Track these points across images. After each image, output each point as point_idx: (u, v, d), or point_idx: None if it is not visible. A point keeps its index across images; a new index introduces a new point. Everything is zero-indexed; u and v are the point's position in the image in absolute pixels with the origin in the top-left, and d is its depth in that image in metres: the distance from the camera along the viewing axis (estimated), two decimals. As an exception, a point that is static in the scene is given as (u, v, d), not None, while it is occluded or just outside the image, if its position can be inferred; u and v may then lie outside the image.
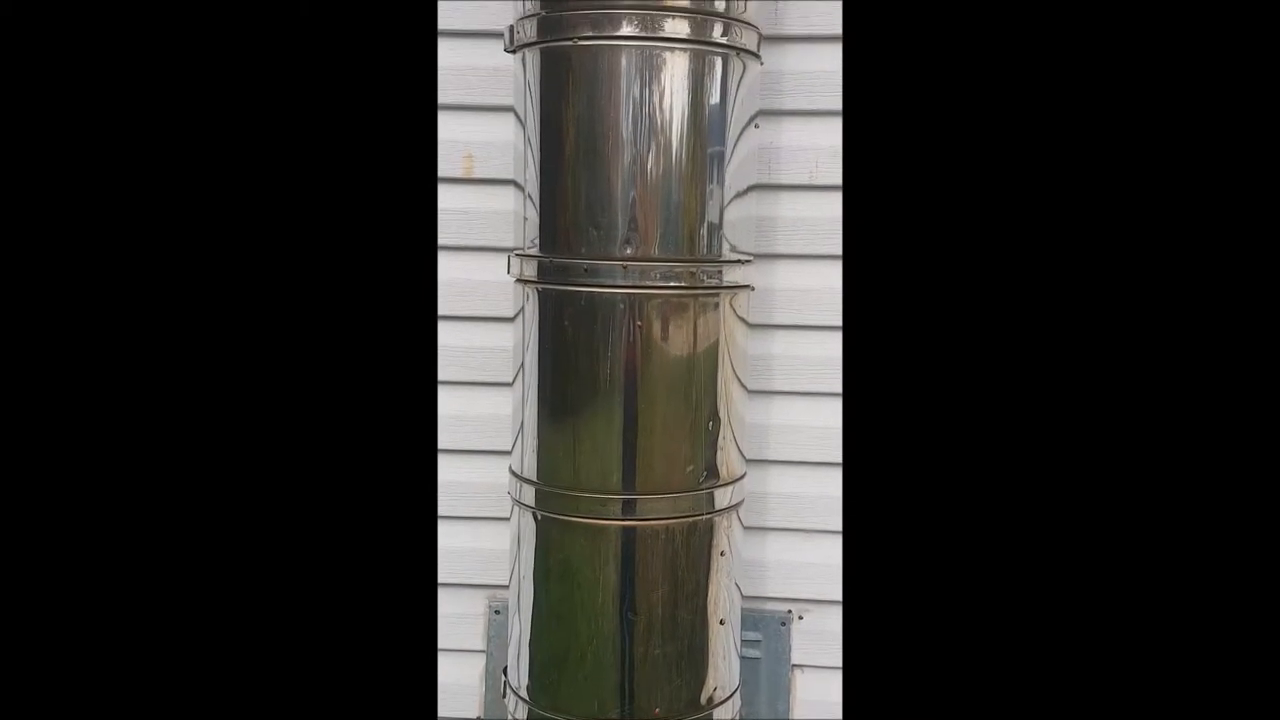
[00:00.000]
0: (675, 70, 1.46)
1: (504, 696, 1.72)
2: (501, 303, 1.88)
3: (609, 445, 1.52)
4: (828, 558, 1.97)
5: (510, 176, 1.65)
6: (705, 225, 1.52)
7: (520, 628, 1.66)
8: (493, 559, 1.99)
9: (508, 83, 1.69)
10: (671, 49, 1.45)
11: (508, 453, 1.71)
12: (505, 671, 1.73)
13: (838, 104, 1.83)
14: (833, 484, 1.94)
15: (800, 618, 2.01)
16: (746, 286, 1.62)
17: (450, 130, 1.88)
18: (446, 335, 1.94)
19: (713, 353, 1.57)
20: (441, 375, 1.94)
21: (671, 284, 1.50)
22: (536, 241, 1.55)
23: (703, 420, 1.57)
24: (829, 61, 1.82)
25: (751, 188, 1.62)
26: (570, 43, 1.46)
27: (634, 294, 1.48)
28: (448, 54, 1.85)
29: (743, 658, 1.79)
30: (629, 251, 1.47)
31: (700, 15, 1.46)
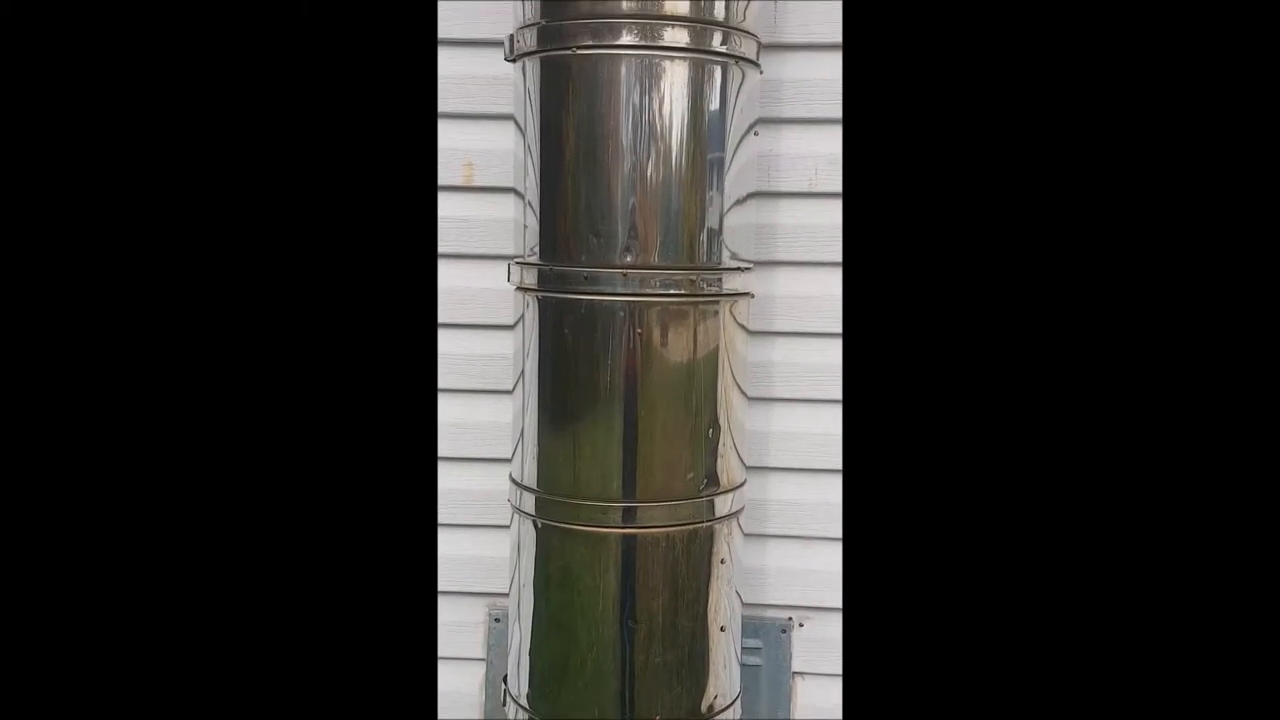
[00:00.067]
0: (675, 79, 1.46)
1: (504, 704, 1.71)
2: (501, 310, 1.88)
3: (609, 453, 1.52)
4: (828, 565, 1.97)
5: (510, 184, 1.66)
6: (705, 232, 1.52)
7: (520, 635, 1.66)
8: (493, 567, 1.99)
9: (507, 91, 1.70)
10: (671, 58, 1.45)
11: (508, 460, 1.71)
12: (505, 679, 1.73)
13: (837, 112, 1.83)
14: (833, 491, 1.94)
15: (801, 625, 2.01)
16: (746, 294, 1.63)
17: (450, 139, 1.89)
18: (446, 343, 1.94)
19: (713, 360, 1.57)
20: (441, 383, 1.94)
21: (671, 291, 1.50)
22: (536, 249, 1.55)
23: (703, 427, 1.57)
24: (828, 70, 1.83)
25: (751, 195, 1.62)
26: (570, 52, 1.46)
27: (634, 301, 1.48)
28: (448, 63, 1.85)
29: (743, 665, 1.79)
30: (629, 259, 1.47)
31: (700, 24, 1.46)
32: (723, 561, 1.63)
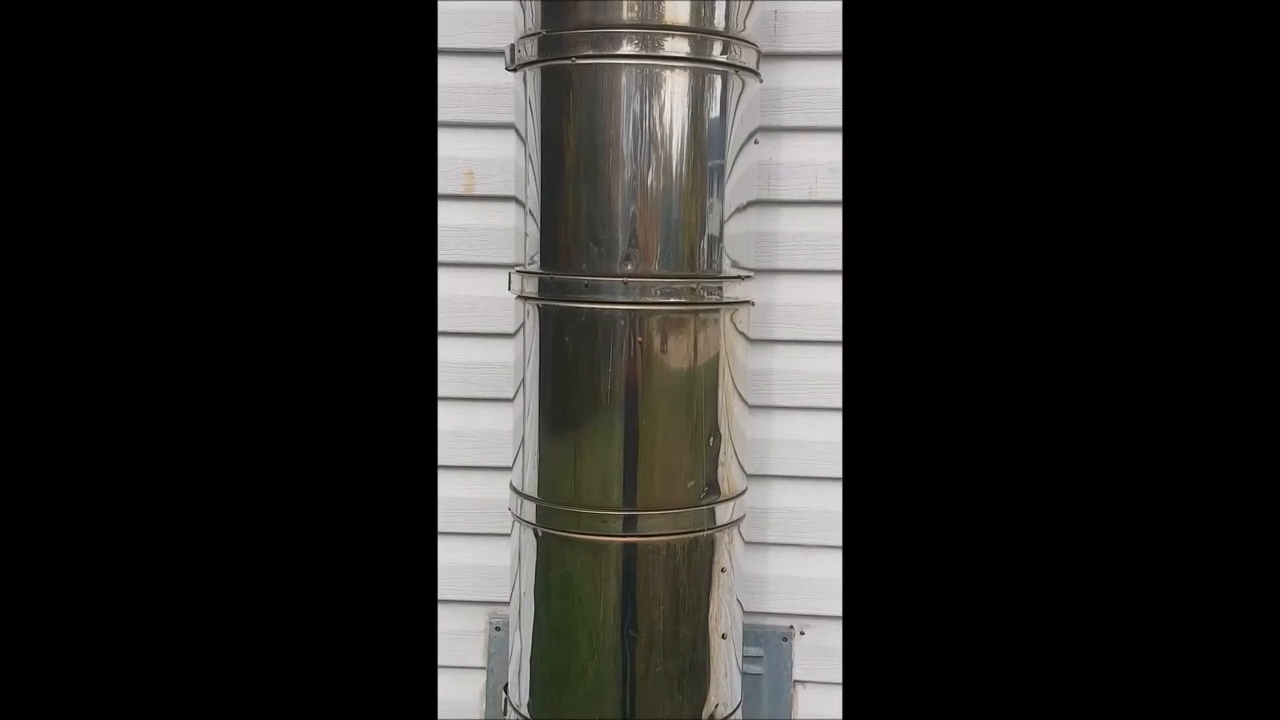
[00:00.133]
0: (675, 88, 1.46)
1: (505, 713, 1.71)
2: (502, 319, 1.89)
3: (610, 461, 1.52)
4: (829, 573, 1.96)
5: (511, 193, 1.66)
6: (705, 241, 1.53)
7: (521, 644, 1.65)
8: (493, 575, 1.99)
9: (508, 100, 1.70)
10: (671, 67, 1.46)
11: (508, 469, 1.71)
12: (506, 688, 1.72)
13: (837, 120, 1.84)
14: (834, 499, 1.94)
15: (802, 633, 2.01)
16: (747, 302, 1.63)
17: (451, 147, 1.89)
18: (447, 351, 1.94)
19: (713, 368, 1.57)
20: (441, 391, 1.94)
21: (672, 300, 1.50)
22: (537, 257, 1.55)
23: (703, 436, 1.57)
24: (828, 78, 1.83)
25: (751, 203, 1.62)
26: (571, 61, 1.47)
27: (635, 310, 1.48)
28: (448, 72, 1.86)
29: (744, 673, 1.78)
30: (629, 268, 1.48)
31: (700, 34, 1.47)
32: (723, 570, 1.63)
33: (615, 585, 1.54)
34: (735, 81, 1.52)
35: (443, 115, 1.86)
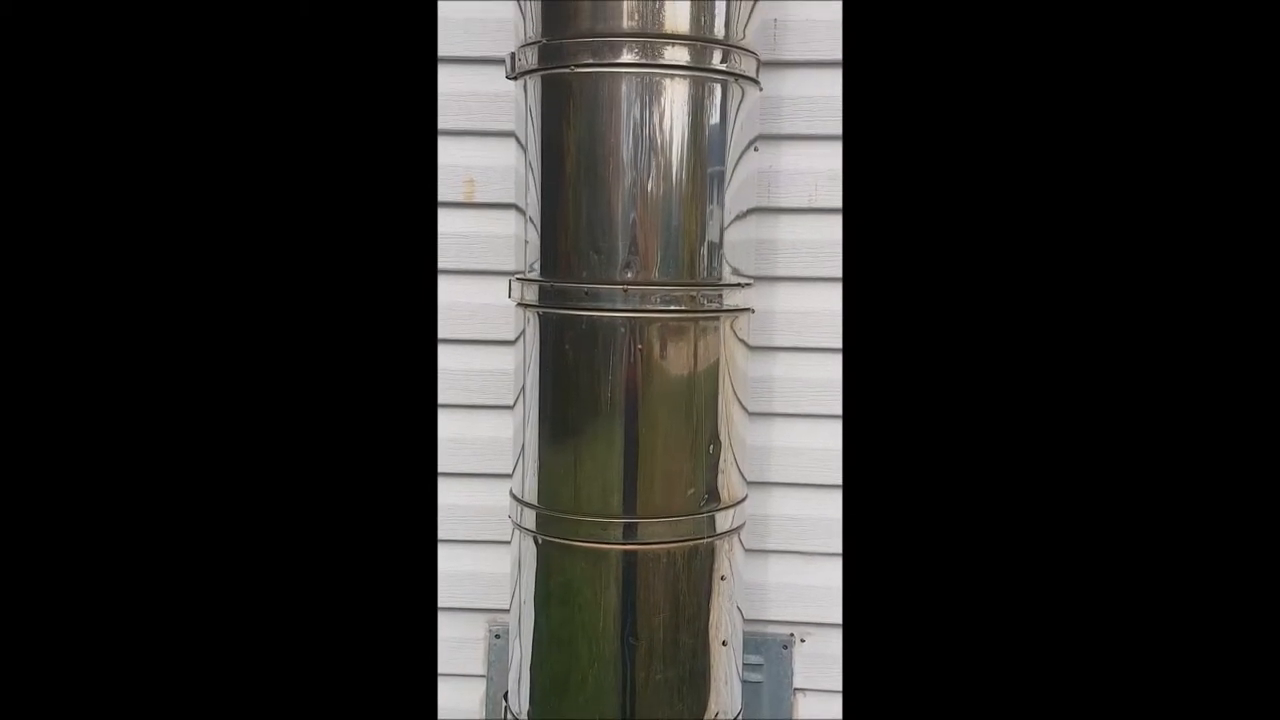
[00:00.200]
0: (675, 96, 1.47)
1: (504, 722, 1.71)
2: (502, 326, 1.89)
3: (610, 469, 1.52)
4: (829, 580, 1.96)
5: (511, 200, 1.66)
6: (705, 248, 1.53)
7: (521, 652, 1.65)
8: (493, 583, 1.99)
9: (508, 108, 1.71)
10: (671, 76, 1.46)
11: (508, 476, 1.71)
12: (506, 696, 1.72)
13: (836, 128, 1.84)
14: (834, 506, 1.93)
15: (802, 641, 2.00)
16: (747, 309, 1.63)
17: (451, 155, 1.90)
18: (447, 358, 1.94)
19: (713, 375, 1.57)
20: (442, 398, 1.94)
21: (672, 308, 1.50)
22: (537, 265, 1.55)
23: (704, 443, 1.57)
24: (828, 86, 1.83)
25: (751, 211, 1.63)
26: (571, 70, 1.47)
27: (635, 318, 1.49)
28: (449, 80, 1.86)
29: (745, 681, 1.78)
30: (630, 275, 1.48)
31: (700, 43, 1.47)
32: (723, 578, 1.62)
33: (615, 593, 1.54)
34: (735, 89, 1.53)
35: (443, 123, 1.87)
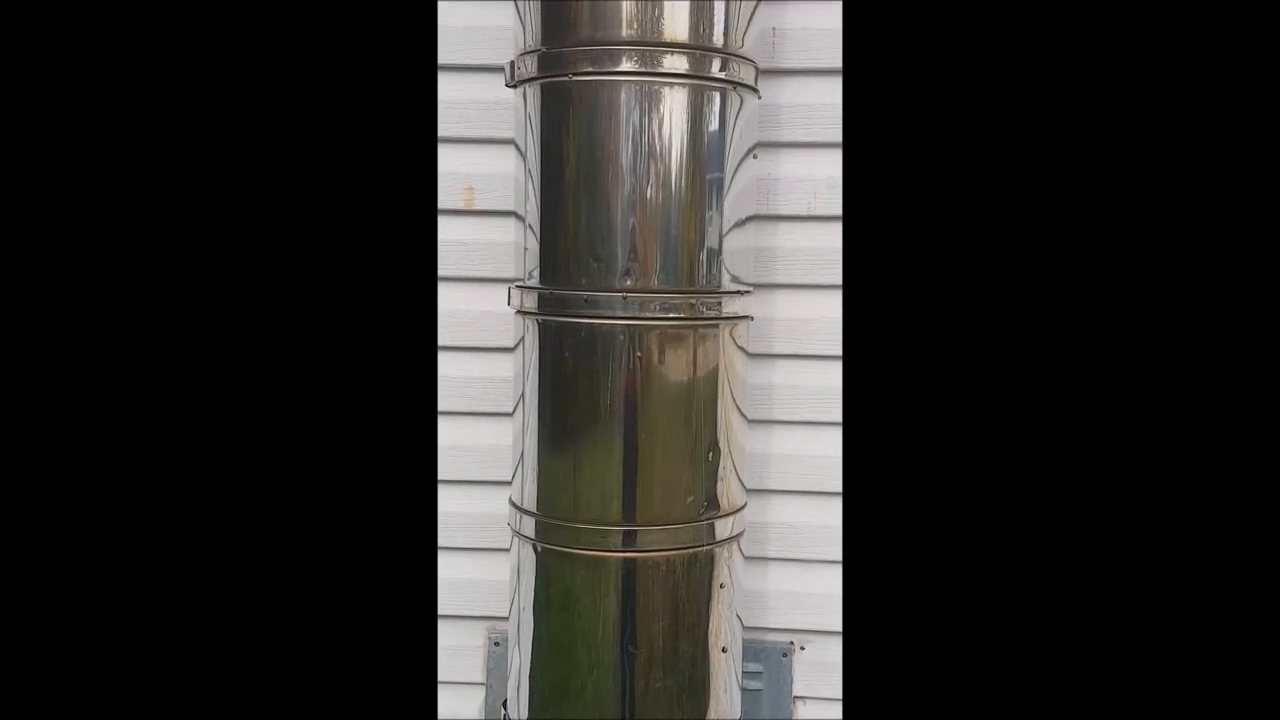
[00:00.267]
0: (674, 104, 1.47)
1: (504, 730, 1.71)
2: (502, 333, 1.89)
3: (609, 477, 1.52)
4: (829, 588, 1.96)
5: (510, 208, 1.67)
6: (705, 255, 1.53)
7: (520, 660, 1.65)
8: (492, 590, 1.98)
9: (508, 116, 1.71)
10: (670, 84, 1.47)
11: (507, 483, 1.71)
12: (505, 704, 1.72)
13: (835, 136, 1.85)
14: (834, 514, 1.93)
15: (802, 648, 2.00)
16: (746, 317, 1.63)
17: (451, 163, 1.90)
18: (446, 366, 1.94)
19: (713, 383, 1.57)
20: (441, 405, 1.94)
21: (671, 315, 1.50)
22: (537, 272, 1.56)
23: (703, 451, 1.57)
24: (826, 94, 1.84)
25: (750, 218, 1.63)
26: (570, 78, 1.47)
27: (634, 325, 1.49)
28: (449, 88, 1.87)
29: (744, 689, 1.78)
30: (629, 283, 1.48)
31: (699, 51, 1.48)
32: (723, 585, 1.62)
33: (614, 600, 1.54)
34: (734, 97, 1.53)
35: (443, 131, 1.87)
